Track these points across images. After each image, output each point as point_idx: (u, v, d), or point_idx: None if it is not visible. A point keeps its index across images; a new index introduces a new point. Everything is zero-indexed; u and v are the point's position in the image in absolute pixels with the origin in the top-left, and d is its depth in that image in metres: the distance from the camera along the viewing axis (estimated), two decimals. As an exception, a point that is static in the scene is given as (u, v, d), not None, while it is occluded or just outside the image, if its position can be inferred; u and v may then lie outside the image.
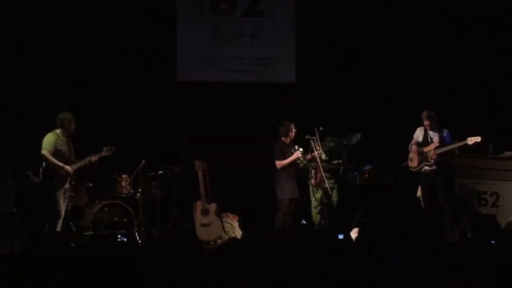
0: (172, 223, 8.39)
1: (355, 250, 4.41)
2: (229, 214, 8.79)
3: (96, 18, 8.82)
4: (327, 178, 8.46)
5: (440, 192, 8.55)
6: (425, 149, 8.59)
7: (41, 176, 7.62)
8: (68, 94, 8.45)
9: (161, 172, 8.55)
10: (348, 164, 9.10)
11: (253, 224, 8.71)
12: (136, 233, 7.94)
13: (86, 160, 7.75)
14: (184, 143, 8.06)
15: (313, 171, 8.70)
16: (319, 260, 3.99)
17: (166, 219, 8.61)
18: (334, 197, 8.85)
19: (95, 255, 3.95)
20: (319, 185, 8.53)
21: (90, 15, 8.79)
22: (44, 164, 7.47)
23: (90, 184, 8.34)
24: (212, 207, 8.45)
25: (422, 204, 8.78)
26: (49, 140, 7.46)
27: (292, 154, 8.31)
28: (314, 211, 8.92)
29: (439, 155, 8.50)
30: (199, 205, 8.41)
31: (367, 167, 9.08)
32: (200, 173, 8.42)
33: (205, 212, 8.39)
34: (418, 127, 8.77)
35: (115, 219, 7.90)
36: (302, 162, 8.49)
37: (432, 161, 8.51)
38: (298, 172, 8.58)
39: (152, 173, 8.58)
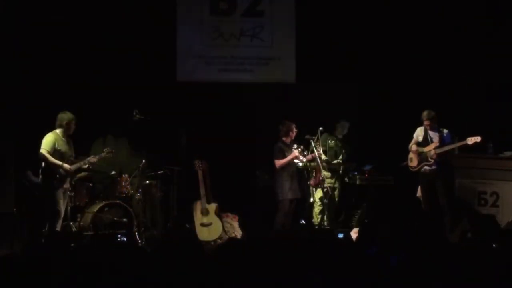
0: (172, 223, 8.39)
1: (355, 250, 4.42)
2: (229, 214, 8.78)
3: (96, 18, 8.81)
4: (327, 178, 8.46)
5: (440, 192, 8.55)
6: (425, 149, 8.60)
7: (40, 176, 7.62)
8: (68, 94, 8.44)
9: (161, 172, 8.55)
10: (348, 164, 9.10)
11: (253, 224, 8.71)
12: (136, 233, 7.93)
13: (86, 161, 7.76)
14: (184, 143, 8.05)
15: (313, 171, 8.71)
16: (319, 260, 3.99)
17: (166, 219, 8.61)
18: (336, 196, 8.85)
19: (95, 255, 3.95)
20: (319, 185, 8.53)
21: (90, 15, 8.78)
22: (43, 164, 7.48)
23: (90, 184, 8.35)
24: (212, 207, 8.44)
25: (422, 204, 8.79)
26: (48, 140, 7.47)
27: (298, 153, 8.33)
28: (314, 211, 8.93)
29: (438, 155, 8.51)
30: (199, 205, 8.41)
31: (367, 167, 9.08)
32: (200, 173, 8.42)
33: (205, 212, 8.38)
34: (418, 127, 8.77)
35: (115, 219, 7.90)
36: (302, 162, 8.48)
37: (432, 161, 8.52)
38: (299, 172, 8.57)
39: (152, 173, 8.58)
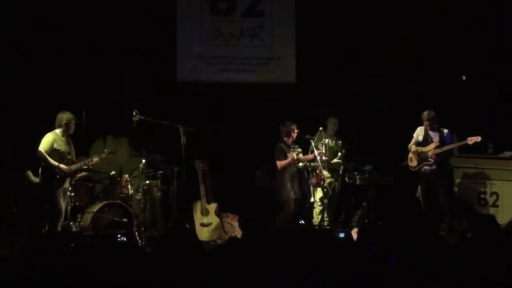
0: (172, 223, 8.39)
1: (355, 250, 4.41)
2: (229, 214, 8.78)
3: (96, 18, 8.80)
4: (326, 177, 8.46)
5: (440, 192, 8.56)
6: (425, 149, 8.61)
7: (40, 176, 7.62)
8: (68, 94, 8.44)
9: (161, 172, 8.55)
10: (348, 164, 9.10)
11: (253, 224, 8.71)
12: (136, 233, 7.93)
13: (87, 161, 7.76)
14: (184, 143, 8.05)
15: (314, 170, 8.71)
16: (319, 260, 3.99)
17: (166, 219, 8.61)
18: (335, 196, 8.85)
19: (95, 255, 3.95)
20: (320, 184, 8.53)
21: (90, 15, 8.78)
22: (43, 164, 7.48)
23: (90, 184, 8.35)
24: (212, 207, 8.44)
25: (422, 204, 8.79)
26: (47, 140, 7.47)
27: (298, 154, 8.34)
28: (314, 211, 8.93)
29: (438, 155, 8.52)
30: (199, 205, 8.41)
31: (367, 167, 9.08)
32: (200, 173, 8.42)
33: (205, 212, 8.38)
34: (418, 127, 8.77)
35: (115, 219, 7.90)
36: (303, 162, 8.48)
37: (432, 161, 8.53)
38: (299, 172, 8.57)
39: (152, 173, 8.58)
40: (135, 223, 8.04)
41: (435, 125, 8.62)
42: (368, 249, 4.44)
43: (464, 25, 9.27)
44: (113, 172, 8.34)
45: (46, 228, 7.41)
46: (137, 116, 8.13)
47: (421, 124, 8.73)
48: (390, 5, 9.42)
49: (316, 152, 8.30)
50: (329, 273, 3.85)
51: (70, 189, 7.77)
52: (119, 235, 7.05)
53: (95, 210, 7.86)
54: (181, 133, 8.04)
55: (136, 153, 8.61)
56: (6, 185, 8.25)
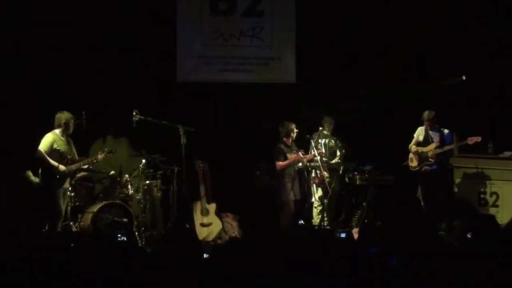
0: (172, 223, 8.39)
1: (355, 250, 4.42)
2: (229, 214, 8.78)
3: (96, 18, 8.80)
4: (326, 177, 8.45)
5: (440, 192, 8.56)
6: (425, 149, 8.61)
7: (40, 176, 7.62)
8: (68, 94, 8.44)
9: (161, 172, 8.55)
10: (348, 164, 9.10)
11: (253, 224, 8.71)
12: (136, 233, 7.93)
13: (86, 161, 7.76)
14: (184, 143, 8.05)
15: (313, 171, 8.71)
16: (319, 260, 3.99)
17: (166, 219, 8.60)
18: (335, 196, 8.85)
19: (95, 255, 3.95)
20: (322, 184, 8.51)
21: (90, 15, 8.78)
22: (42, 164, 7.48)
23: (90, 184, 8.35)
24: (212, 207, 8.44)
25: (422, 204, 8.79)
26: (46, 140, 7.47)
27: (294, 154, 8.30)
28: (314, 211, 8.93)
29: (439, 155, 8.52)
30: (199, 205, 8.41)
31: (367, 167, 9.07)
32: (200, 173, 8.42)
33: (205, 212, 8.38)
34: (418, 127, 8.78)
35: (115, 219, 7.89)
36: (302, 163, 8.48)
37: (432, 161, 8.53)
38: (299, 172, 8.57)
39: (152, 173, 8.58)
40: (135, 223, 8.04)
41: (435, 125, 8.63)
42: (368, 249, 4.44)
43: (464, 25, 9.27)
44: (112, 172, 8.34)
45: (46, 228, 7.41)
46: (137, 116, 8.12)
47: (422, 124, 8.73)
48: (390, 5, 9.42)
49: (316, 152, 8.29)
50: (329, 273, 3.85)
51: (70, 189, 7.77)
52: (119, 235, 7.04)
53: (95, 210, 7.86)
54: (181, 133, 8.04)
55: (136, 153, 8.61)
56: (6, 185, 8.25)
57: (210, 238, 8.26)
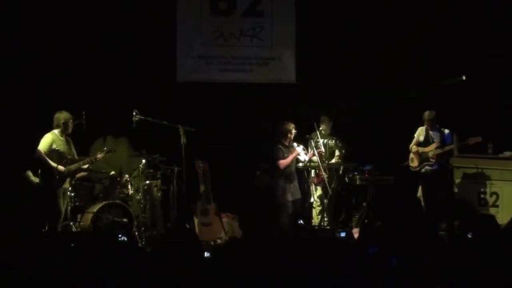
0: (172, 223, 8.39)
1: (355, 250, 4.42)
2: (229, 214, 8.78)
3: (96, 18, 8.80)
4: (325, 177, 8.44)
5: (440, 192, 8.56)
6: (426, 149, 8.61)
7: (40, 176, 7.62)
8: (68, 94, 8.44)
9: (161, 172, 8.55)
10: (348, 164, 9.09)
11: (253, 224, 8.71)
12: (136, 233, 7.93)
13: (86, 161, 7.76)
14: (184, 143, 8.05)
15: (312, 171, 8.70)
16: (319, 260, 3.99)
17: (166, 219, 8.60)
18: (335, 189, 8.83)
19: (95, 255, 3.95)
20: (321, 183, 8.50)
21: (90, 15, 8.78)
22: (41, 164, 7.48)
23: (90, 184, 8.35)
24: (212, 207, 8.44)
25: (422, 204, 8.80)
26: (45, 140, 7.47)
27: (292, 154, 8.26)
28: (314, 211, 8.93)
29: (439, 155, 8.52)
30: (199, 205, 8.41)
31: (367, 167, 9.07)
32: (200, 173, 8.41)
33: (205, 212, 8.38)
34: (418, 127, 8.78)
35: (115, 219, 7.89)
36: (303, 161, 8.46)
37: (433, 161, 8.53)
38: (299, 172, 8.56)
39: (152, 173, 8.58)
40: (135, 223, 8.04)
41: (435, 125, 8.63)
42: (369, 249, 4.44)
43: (464, 25, 9.27)
44: (113, 173, 8.34)
45: (46, 228, 7.41)
46: (137, 116, 8.12)
47: (422, 124, 8.73)
48: (390, 5, 9.42)
49: (315, 151, 8.27)
50: (329, 273, 3.85)
51: (70, 189, 7.77)
52: (119, 235, 7.04)
53: (95, 210, 7.86)
54: (181, 133, 8.04)
55: (136, 153, 8.60)
56: (6, 185, 8.25)
57: (210, 238, 8.25)
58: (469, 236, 4.99)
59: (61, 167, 7.45)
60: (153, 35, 9.12)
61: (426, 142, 8.65)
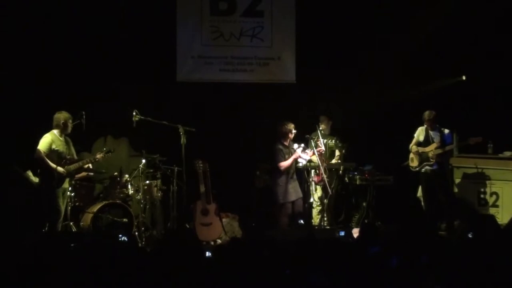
0: (172, 223, 8.39)
1: (355, 250, 4.42)
2: (229, 214, 8.78)
3: (96, 18, 8.80)
4: (325, 177, 8.44)
5: (440, 192, 8.56)
6: (426, 149, 8.61)
7: (39, 176, 7.62)
8: (68, 94, 8.44)
9: (161, 172, 8.55)
10: (348, 164, 9.09)
11: (253, 224, 8.71)
12: (136, 233, 7.93)
13: (85, 161, 7.76)
14: (184, 143, 8.05)
15: (312, 171, 8.70)
16: (319, 260, 3.99)
17: (166, 219, 8.60)
18: (335, 189, 8.83)
19: (95, 255, 3.95)
20: (321, 182, 8.49)
21: (90, 15, 8.77)
22: (40, 165, 7.48)
23: (90, 184, 8.35)
24: (212, 207, 8.44)
25: (422, 204, 8.80)
26: (44, 141, 7.47)
27: (292, 154, 8.24)
28: (314, 211, 8.93)
29: (439, 155, 8.52)
30: (199, 205, 8.40)
31: (367, 167, 9.07)
32: (200, 173, 8.41)
33: (205, 212, 8.38)
34: (418, 127, 8.78)
35: (115, 219, 7.90)
36: (304, 160, 8.45)
37: (433, 161, 8.53)
38: (299, 172, 8.55)
39: (152, 173, 8.58)
40: (135, 223, 8.04)
41: (435, 125, 8.63)
42: (370, 250, 4.44)
43: (464, 25, 9.27)
44: (116, 174, 8.35)
45: (46, 228, 7.41)
46: (137, 116, 8.12)
47: (422, 124, 8.73)
48: (390, 5, 9.42)
49: (315, 150, 8.26)
50: (329, 273, 3.85)
51: (70, 189, 7.77)
52: (119, 235, 7.04)
53: (95, 210, 7.86)
54: (181, 133, 8.04)
55: (136, 153, 8.61)
56: (6, 185, 8.25)
57: (210, 238, 8.25)
58: (469, 236, 4.99)
59: (60, 168, 7.45)
60: (153, 35, 9.12)
61: (426, 142, 8.65)
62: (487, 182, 8.83)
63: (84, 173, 8.13)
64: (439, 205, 8.56)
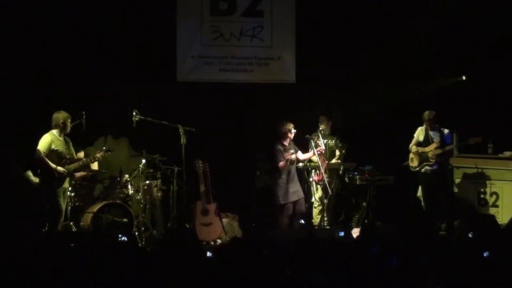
0: (172, 223, 8.39)
1: (355, 250, 4.42)
2: (229, 214, 8.78)
3: (96, 18, 8.80)
4: (326, 176, 8.44)
5: (440, 192, 8.57)
6: (426, 149, 8.61)
7: (39, 176, 7.62)
8: (68, 94, 8.44)
9: (161, 172, 8.55)
10: (348, 164, 9.09)
11: (253, 224, 8.71)
12: (136, 233, 7.93)
13: (85, 160, 7.76)
14: (184, 143, 8.05)
15: (313, 171, 8.70)
16: (319, 260, 3.99)
17: (166, 219, 8.60)
18: (335, 189, 8.82)
19: (95, 255, 3.95)
20: (321, 181, 8.48)
21: (90, 15, 8.78)
22: (40, 165, 7.49)
23: (90, 184, 8.34)
24: (212, 207, 8.44)
25: (422, 204, 8.80)
26: (44, 141, 7.47)
27: (292, 154, 8.25)
28: (314, 211, 8.93)
29: (439, 155, 8.52)
30: (199, 205, 8.41)
31: (367, 167, 9.07)
32: (200, 173, 8.41)
33: (205, 212, 8.38)
34: (418, 127, 8.78)
35: (115, 219, 7.89)
36: (303, 162, 8.45)
37: (433, 161, 8.53)
38: (299, 172, 8.55)
39: (152, 173, 8.58)
40: (135, 223, 8.04)
41: (435, 125, 8.63)
42: (371, 250, 4.44)
43: (464, 24, 9.27)
44: (115, 174, 8.35)
45: (46, 228, 7.41)
46: (137, 116, 8.12)
47: (422, 124, 8.73)
48: (390, 5, 9.42)
49: (315, 150, 8.26)
50: (329, 273, 3.86)
51: (70, 189, 7.77)
52: (119, 235, 7.04)
53: (95, 210, 7.86)
54: (181, 133, 8.04)
55: (136, 153, 8.60)
56: (7, 185, 8.25)
57: (210, 238, 8.25)
58: (469, 236, 5.00)
59: (60, 168, 7.45)
60: (153, 35, 9.12)
61: (426, 142, 8.65)
62: (487, 182, 8.83)
63: (84, 172, 8.13)
64: (439, 205, 8.56)
